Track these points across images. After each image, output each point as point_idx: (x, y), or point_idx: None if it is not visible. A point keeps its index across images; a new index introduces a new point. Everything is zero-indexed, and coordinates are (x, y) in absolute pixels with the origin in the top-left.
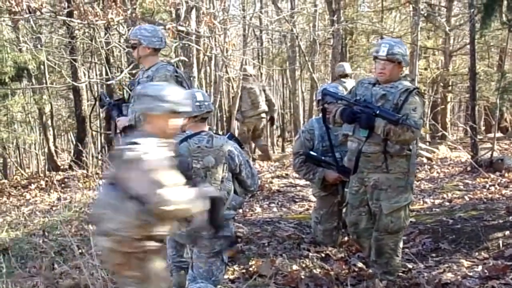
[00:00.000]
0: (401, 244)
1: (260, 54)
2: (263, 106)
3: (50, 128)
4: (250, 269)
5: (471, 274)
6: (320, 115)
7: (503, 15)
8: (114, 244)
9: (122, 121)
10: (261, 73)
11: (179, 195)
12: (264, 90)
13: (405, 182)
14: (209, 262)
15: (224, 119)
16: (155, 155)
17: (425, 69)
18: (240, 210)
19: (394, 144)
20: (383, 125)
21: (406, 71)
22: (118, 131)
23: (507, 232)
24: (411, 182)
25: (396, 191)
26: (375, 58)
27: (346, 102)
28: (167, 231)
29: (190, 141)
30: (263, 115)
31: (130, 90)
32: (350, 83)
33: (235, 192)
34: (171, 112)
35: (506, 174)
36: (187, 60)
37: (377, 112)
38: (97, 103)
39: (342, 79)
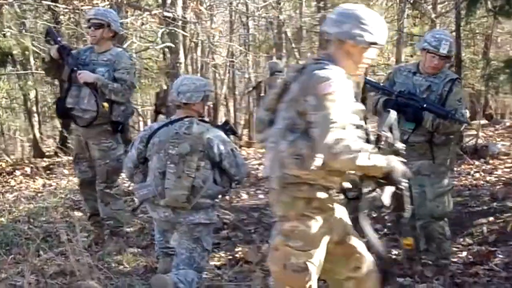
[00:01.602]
0: (448, 229)
1: (247, 40)
2: None
3: (35, 114)
4: (236, 255)
5: (455, 259)
6: None
7: (488, 2)
8: None
9: (86, 76)
10: (248, 60)
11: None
12: None
13: (447, 167)
14: (190, 248)
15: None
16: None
17: (411, 56)
18: (227, 197)
19: (440, 136)
20: (431, 119)
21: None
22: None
23: (491, 218)
24: (452, 167)
25: (439, 177)
26: (430, 51)
27: (388, 92)
28: None
29: (171, 127)
30: None
31: (67, 55)
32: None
33: (215, 181)
34: (371, 44)
35: (491, 161)
36: (173, 46)
37: (424, 105)
38: (45, 38)
39: (277, 74)
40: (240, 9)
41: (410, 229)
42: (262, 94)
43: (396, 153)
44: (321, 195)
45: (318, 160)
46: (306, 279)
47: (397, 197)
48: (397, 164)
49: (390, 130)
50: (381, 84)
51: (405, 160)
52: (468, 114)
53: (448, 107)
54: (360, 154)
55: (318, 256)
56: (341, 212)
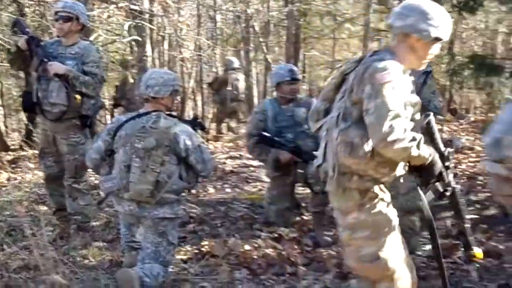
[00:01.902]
0: (418, 224)
1: (214, 34)
2: None
3: (0, 107)
4: (203, 249)
5: (419, 253)
6: (274, 94)
7: None
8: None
9: (57, 67)
10: (215, 54)
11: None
12: None
13: None
14: (155, 243)
15: (179, 100)
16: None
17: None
18: (194, 191)
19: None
20: None
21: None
22: (39, 72)
23: None
24: None
25: None
26: None
27: None
28: None
29: (138, 120)
30: None
31: (37, 47)
32: (240, 76)
33: (180, 176)
34: (436, 39)
35: (455, 155)
36: (140, 39)
37: None
38: (12, 29)
39: (231, 71)
40: (208, 3)
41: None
42: (221, 90)
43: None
44: (372, 186)
45: (369, 149)
46: (382, 267)
47: (451, 199)
48: (436, 158)
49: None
50: None
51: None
52: (441, 105)
53: (422, 99)
54: (413, 143)
55: (391, 242)
56: None
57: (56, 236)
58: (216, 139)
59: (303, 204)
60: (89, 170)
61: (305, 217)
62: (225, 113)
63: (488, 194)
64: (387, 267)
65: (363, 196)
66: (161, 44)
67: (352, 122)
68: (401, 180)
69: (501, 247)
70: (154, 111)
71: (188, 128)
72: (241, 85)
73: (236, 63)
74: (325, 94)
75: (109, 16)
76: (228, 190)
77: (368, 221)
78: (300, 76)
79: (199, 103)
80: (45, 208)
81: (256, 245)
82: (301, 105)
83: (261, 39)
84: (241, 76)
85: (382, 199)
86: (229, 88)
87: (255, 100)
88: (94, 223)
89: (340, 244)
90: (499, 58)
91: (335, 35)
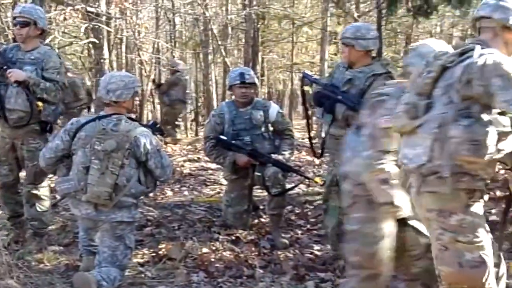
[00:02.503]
0: None
1: (173, 37)
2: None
3: None
4: (160, 252)
5: None
6: (233, 98)
7: (409, 2)
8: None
9: (17, 74)
10: (174, 56)
11: None
12: None
13: None
14: (112, 246)
15: (138, 103)
16: None
17: (335, 54)
18: (151, 194)
19: None
20: (342, 111)
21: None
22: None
23: None
24: None
25: None
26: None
27: (320, 85)
28: None
29: (98, 122)
30: None
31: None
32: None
33: (139, 180)
34: None
35: None
36: (97, 42)
37: (339, 97)
38: None
39: (178, 73)
40: (166, 6)
41: (336, 223)
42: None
43: None
44: (480, 186)
45: (494, 148)
46: (485, 273)
47: None
48: None
49: None
50: (314, 77)
51: None
52: None
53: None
54: None
55: (489, 246)
56: None
57: (11, 241)
58: (175, 142)
59: (261, 207)
60: (50, 176)
61: (262, 220)
62: (174, 115)
63: None
64: (488, 273)
65: (470, 196)
66: (119, 46)
67: (476, 119)
68: None
69: None
70: (115, 113)
71: (149, 132)
72: (188, 87)
73: (181, 64)
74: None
75: (65, 19)
76: (186, 193)
77: (474, 223)
78: (254, 80)
79: (158, 106)
80: None
81: (213, 248)
82: (258, 108)
83: (219, 42)
84: (185, 78)
85: (484, 200)
86: (176, 90)
87: (214, 103)
88: (50, 227)
89: (297, 246)
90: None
91: (293, 38)
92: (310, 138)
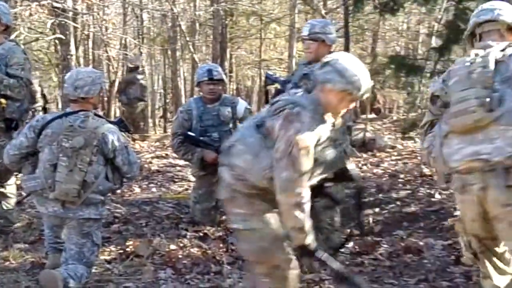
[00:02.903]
0: (338, 220)
1: (141, 33)
2: None
3: None
4: (127, 249)
5: (342, 250)
6: (201, 94)
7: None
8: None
9: None
10: (141, 53)
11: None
12: None
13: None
14: (79, 243)
15: (105, 100)
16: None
17: (303, 51)
18: (119, 191)
19: None
20: None
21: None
22: None
23: (377, 209)
24: (346, 158)
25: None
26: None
27: (280, 83)
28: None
29: (65, 119)
30: None
31: None
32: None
33: (106, 177)
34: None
35: (378, 154)
36: (63, 38)
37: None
38: None
39: (136, 71)
40: (133, 1)
41: None
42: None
43: None
44: None
45: None
46: None
47: None
48: None
49: None
50: (275, 77)
51: None
52: None
53: None
54: None
55: None
56: None
57: None
58: (143, 138)
59: None
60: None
61: None
62: (133, 113)
63: (409, 192)
64: None
65: None
66: (86, 42)
67: None
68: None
69: (421, 243)
70: (81, 110)
71: (116, 129)
72: (146, 84)
73: (138, 61)
74: (485, 81)
75: (31, 14)
76: (154, 189)
77: None
78: (221, 76)
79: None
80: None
81: (181, 245)
82: (226, 105)
83: (188, 38)
84: (140, 76)
85: None
86: (134, 88)
87: (182, 100)
88: (15, 225)
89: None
90: (419, 59)
91: (261, 35)
92: None
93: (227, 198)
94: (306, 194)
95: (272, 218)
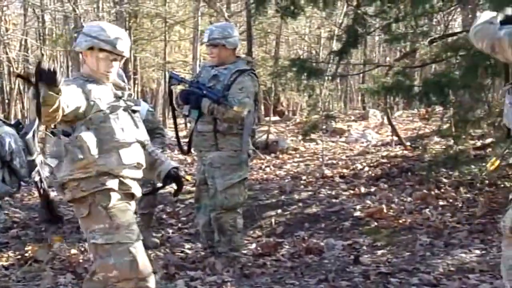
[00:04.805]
0: (240, 221)
1: (42, 34)
2: None
3: None
4: (26, 254)
5: (245, 251)
6: None
7: (277, 3)
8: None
9: None
10: (43, 54)
11: None
12: None
13: (238, 159)
14: None
15: (6, 102)
16: None
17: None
18: (18, 195)
19: (222, 123)
20: (208, 105)
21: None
22: None
23: (279, 211)
24: (245, 159)
25: (229, 169)
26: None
27: (186, 84)
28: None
29: None
30: None
31: None
32: None
33: (3, 180)
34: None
35: (280, 156)
36: None
37: (205, 92)
38: None
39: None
40: (34, 2)
41: (207, 221)
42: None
43: None
44: None
45: None
46: None
47: None
48: None
49: None
50: (180, 77)
51: None
52: (247, 101)
53: (230, 95)
54: None
55: None
56: None
57: None
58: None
59: None
60: None
61: None
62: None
63: (311, 193)
64: None
65: None
66: None
67: None
68: (218, 178)
69: (321, 243)
70: None
71: (13, 131)
72: None
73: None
74: None
75: None
76: (54, 193)
77: None
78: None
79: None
80: None
81: (82, 249)
82: None
83: None
84: None
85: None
86: None
87: None
88: None
89: (168, 245)
90: (320, 62)
91: (166, 37)
92: (177, 136)
93: None
94: None
95: None
